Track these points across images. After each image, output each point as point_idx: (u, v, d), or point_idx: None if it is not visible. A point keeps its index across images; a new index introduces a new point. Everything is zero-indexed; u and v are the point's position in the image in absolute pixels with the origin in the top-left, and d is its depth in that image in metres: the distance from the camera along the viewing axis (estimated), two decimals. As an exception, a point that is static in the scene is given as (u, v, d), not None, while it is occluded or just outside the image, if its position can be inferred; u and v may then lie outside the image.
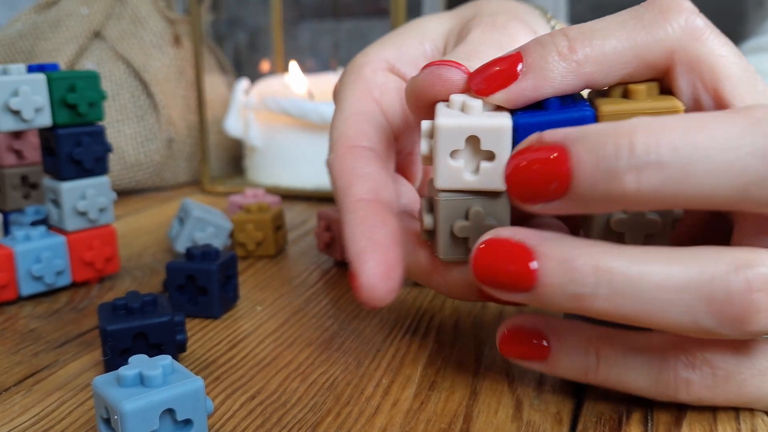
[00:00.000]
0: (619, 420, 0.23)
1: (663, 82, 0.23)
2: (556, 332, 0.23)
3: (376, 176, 0.26)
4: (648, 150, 0.18)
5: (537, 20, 0.33)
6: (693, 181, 0.18)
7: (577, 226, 0.28)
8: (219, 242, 0.42)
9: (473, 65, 0.25)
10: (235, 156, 0.69)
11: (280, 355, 0.29)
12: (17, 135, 0.42)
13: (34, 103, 0.34)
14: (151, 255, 0.44)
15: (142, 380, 0.21)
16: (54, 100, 0.35)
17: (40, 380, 0.27)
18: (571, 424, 0.23)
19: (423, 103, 0.25)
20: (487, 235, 0.21)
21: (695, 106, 0.23)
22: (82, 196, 0.37)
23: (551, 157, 0.19)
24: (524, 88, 0.22)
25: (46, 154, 0.37)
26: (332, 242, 0.40)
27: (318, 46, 0.95)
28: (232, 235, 0.43)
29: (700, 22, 0.22)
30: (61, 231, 0.37)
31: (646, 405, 0.24)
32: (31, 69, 0.36)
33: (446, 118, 0.23)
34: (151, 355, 0.23)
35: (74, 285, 0.38)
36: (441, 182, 0.23)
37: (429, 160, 0.24)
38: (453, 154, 0.23)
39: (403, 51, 0.32)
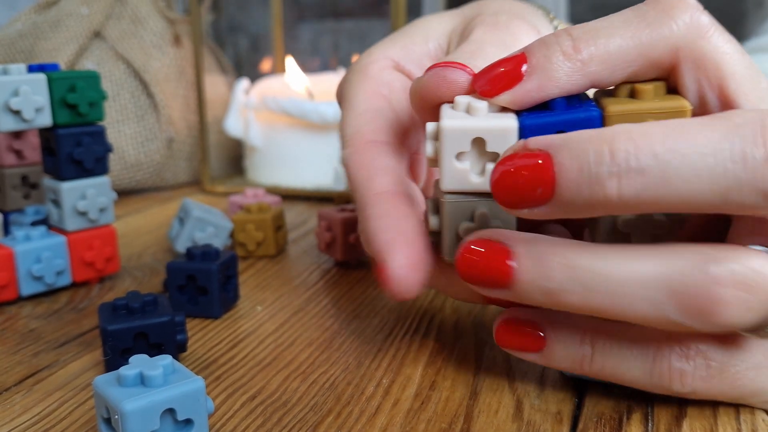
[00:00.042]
0: (619, 420, 0.23)
1: (668, 80, 0.23)
2: (552, 322, 0.23)
3: (396, 170, 0.27)
4: (628, 156, 0.19)
5: (540, 20, 0.33)
6: (673, 186, 0.19)
7: (581, 226, 0.28)
8: (219, 242, 0.42)
9: (477, 64, 0.25)
10: (235, 156, 0.69)
11: (280, 355, 0.29)
12: (17, 135, 0.42)
13: (35, 103, 0.34)
14: (152, 255, 0.44)
15: (142, 380, 0.21)
16: (54, 100, 0.35)
17: (41, 380, 0.27)
18: (571, 423, 0.23)
19: (428, 104, 0.25)
20: (471, 236, 0.22)
21: (700, 104, 0.23)
22: (83, 196, 0.37)
23: (536, 163, 0.20)
24: (529, 89, 0.22)
25: (46, 154, 0.37)
26: (333, 242, 0.40)
27: (318, 46, 0.95)
28: (232, 235, 0.43)
29: (705, 19, 0.22)
30: (61, 231, 0.37)
31: (647, 404, 0.24)
32: (32, 69, 0.36)
33: (451, 120, 0.22)
34: (151, 355, 0.23)
35: (74, 285, 0.38)
36: (447, 184, 0.23)
37: (434, 162, 0.24)
38: (459, 156, 0.23)
39: (408, 50, 0.32)
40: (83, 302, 0.36)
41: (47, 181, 0.37)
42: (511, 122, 0.22)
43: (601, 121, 0.22)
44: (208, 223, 0.42)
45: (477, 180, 0.23)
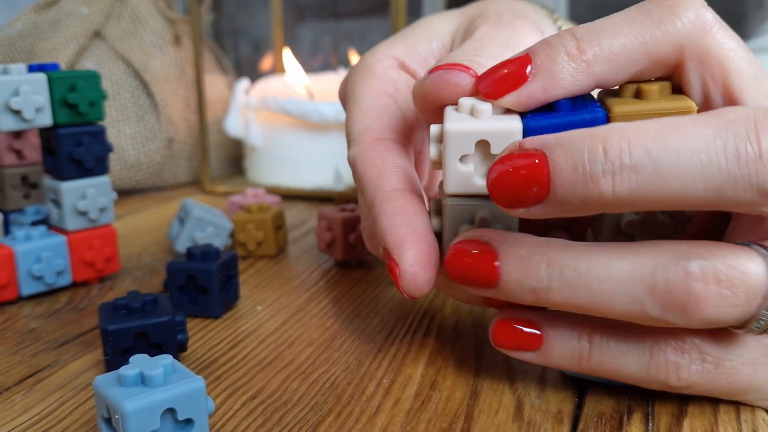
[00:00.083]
0: (620, 419, 0.23)
1: (673, 78, 0.23)
2: (548, 320, 0.23)
3: (405, 168, 0.27)
4: (621, 154, 0.19)
5: (543, 20, 0.33)
6: (667, 183, 0.19)
7: (584, 227, 0.28)
8: (219, 242, 0.42)
9: (481, 61, 0.25)
10: (236, 156, 0.69)
11: (280, 355, 0.29)
12: (17, 135, 0.42)
13: (35, 102, 0.34)
14: (152, 255, 0.44)
15: (143, 380, 0.21)
16: (54, 99, 0.35)
17: (41, 380, 0.27)
18: (572, 423, 0.23)
19: (431, 106, 0.25)
20: (460, 237, 0.23)
21: (705, 101, 0.23)
22: (83, 195, 0.36)
23: (531, 163, 0.20)
24: (534, 90, 0.22)
25: (46, 153, 0.37)
26: (333, 242, 0.40)
27: (318, 46, 0.95)
28: (232, 234, 0.43)
29: (710, 15, 0.22)
30: (61, 231, 0.37)
31: (647, 404, 0.24)
32: (32, 69, 0.36)
33: (455, 122, 0.22)
34: (152, 355, 0.23)
35: (74, 285, 0.38)
36: (450, 187, 0.23)
37: (438, 164, 0.23)
38: (463, 158, 0.22)
39: (412, 49, 0.32)
40: (83, 302, 0.36)
41: (47, 181, 0.37)
42: (515, 124, 0.22)
43: (606, 123, 0.22)
44: (208, 222, 0.42)
45: (481, 182, 0.23)
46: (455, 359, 0.28)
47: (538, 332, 0.23)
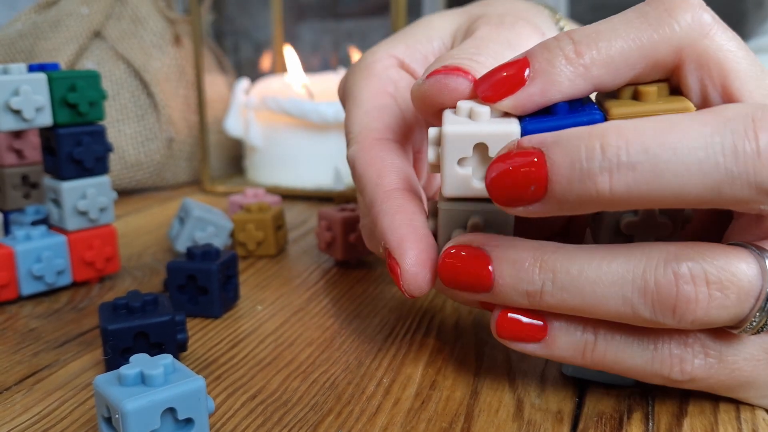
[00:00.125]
0: (620, 419, 0.23)
1: (671, 80, 0.23)
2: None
3: (404, 167, 0.27)
4: (619, 151, 0.19)
5: (545, 21, 0.33)
6: (665, 181, 0.19)
7: (583, 227, 0.28)
8: (219, 242, 0.42)
9: (481, 59, 0.25)
10: (236, 156, 0.69)
11: (280, 355, 0.29)
12: (18, 134, 0.42)
13: (35, 102, 0.34)
14: (152, 255, 0.44)
15: (143, 379, 0.21)
16: (54, 99, 0.35)
17: (41, 380, 0.27)
18: (572, 423, 0.23)
19: (430, 109, 0.25)
20: (452, 242, 0.23)
21: (704, 104, 0.22)
22: (83, 195, 0.37)
23: (529, 161, 0.20)
24: (532, 94, 0.22)
25: (46, 153, 0.37)
26: (333, 242, 0.40)
27: (318, 46, 0.95)
28: (232, 234, 0.43)
29: (708, 17, 0.22)
30: (61, 230, 0.37)
31: (647, 404, 0.24)
32: (32, 68, 0.36)
33: (453, 125, 0.22)
34: (152, 355, 0.23)
35: (75, 284, 0.38)
36: (448, 190, 0.23)
37: (436, 167, 0.23)
38: (461, 161, 0.23)
39: (413, 48, 0.32)
40: (83, 302, 0.36)
41: (47, 181, 0.37)
42: (513, 127, 0.22)
43: None
44: (208, 222, 0.42)
45: (479, 185, 0.23)
46: (455, 359, 0.28)
47: (542, 323, 0.23)
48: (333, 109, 0.57)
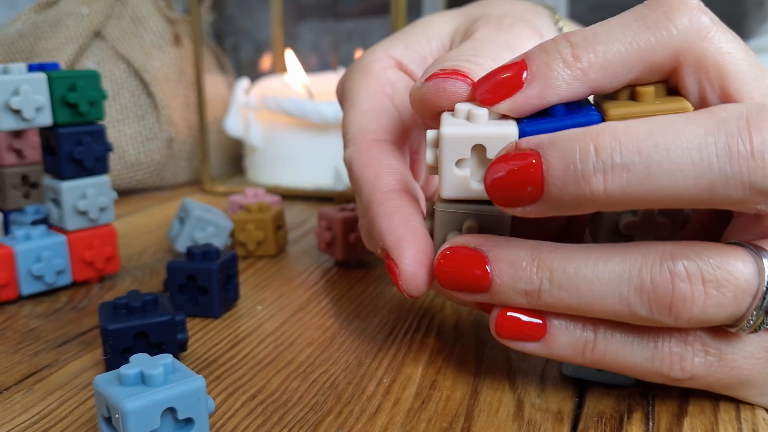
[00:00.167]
0: (620, 419, 0.23)
1: (670, 82, 0.23)
2: None
3: (401, 169, 0.27)
4: (612, 153, 0.19)
5: (544, 21, 0.33)
6: (659, 182, 0.19)
7: (582, 228, 0.28)
8: (219, 242, 0.42)
9: (479, 61, 0.25)
10: (235, 156, 0.69)
11: (280, 355, 0.29)
12: (18, 134, 0.42)
13: (35, 102, 0.34)
14: (152, 254, 0.44)
15: (143, 379, 0.21)
16: (54, 99, 0.35)
17: (41, 379, 0.27)
18: (572, 423, 0.23)
19: (428, 112, 0.25)
20: (448, 243, 0.23)
21: (702, 106, 0.22)
22: (83, 195, 0.36)
23: (527, 162, 0.20)
24: (530, 96, 0.22)
25: (46, 153, 0.37)
26: (333, 242, 0.40)
27: (318, 46, 0.95)
28: (232, 234, 0.43)
29: (706, 19, 0.22)
30: (61, 230, 0.37)
31: (647, 403, 0.24)
32: (32, 68, 0.36)
33: (451, 127, 0.22)
34: (152, 354, 0.23)
35: (74, 284, 0.38)
36: (447, 192, 0.23)
37: (434, 169, 0.23)
38: (459, 163, 0.23)
39: (411, 49, 0.32)
40: (83, 302, 0.36)
41: (47, 181, 0.37)
42: (511, 129, 0.22)
43: None
44: (208, 222, 0.42)
45: (477, 187, 0.23)
46: (455, 359, 0.28)
47: (541, 322, 0.23)
48: (333, 109, 0.57)
